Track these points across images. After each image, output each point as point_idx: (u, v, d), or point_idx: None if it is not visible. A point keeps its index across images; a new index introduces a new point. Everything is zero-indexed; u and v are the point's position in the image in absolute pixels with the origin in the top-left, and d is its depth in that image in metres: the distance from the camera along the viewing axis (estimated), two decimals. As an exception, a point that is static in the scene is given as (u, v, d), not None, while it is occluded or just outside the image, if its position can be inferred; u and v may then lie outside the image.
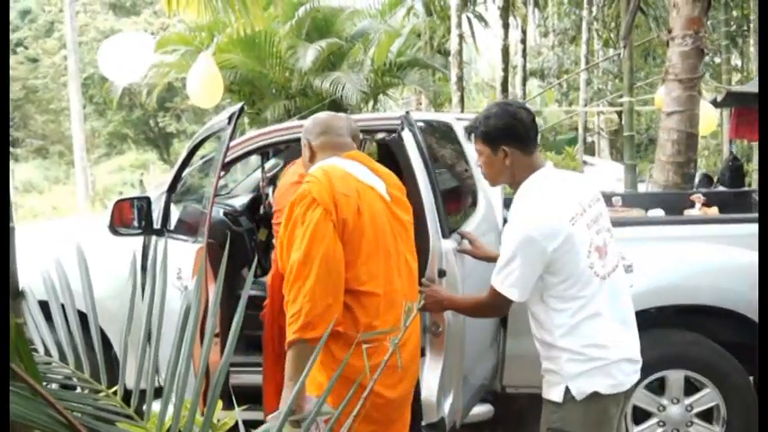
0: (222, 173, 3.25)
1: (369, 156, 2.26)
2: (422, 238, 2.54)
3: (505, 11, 9.49)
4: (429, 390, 2.49)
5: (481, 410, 2.96)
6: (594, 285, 1.87)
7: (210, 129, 3.03)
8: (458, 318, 2.47)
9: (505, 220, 2.51)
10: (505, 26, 9.49)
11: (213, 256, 2.75)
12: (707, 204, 4.07)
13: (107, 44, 7.24)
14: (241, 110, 2.72)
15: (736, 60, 15.96)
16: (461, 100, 9.64)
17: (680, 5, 5.23)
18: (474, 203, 3.00)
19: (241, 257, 3.77)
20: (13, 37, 21.79)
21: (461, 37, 9.90)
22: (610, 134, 20.31)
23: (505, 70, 9.58)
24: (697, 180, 6.67)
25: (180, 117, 22.95)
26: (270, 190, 4.55)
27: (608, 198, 4.13)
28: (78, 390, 1.34)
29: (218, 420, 1.41)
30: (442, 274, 2.47)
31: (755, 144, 9.74)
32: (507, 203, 2.36)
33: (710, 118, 7.51)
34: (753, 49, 12.14)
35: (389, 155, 3.01)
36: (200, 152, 3.47)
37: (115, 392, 1.25)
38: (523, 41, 15.46)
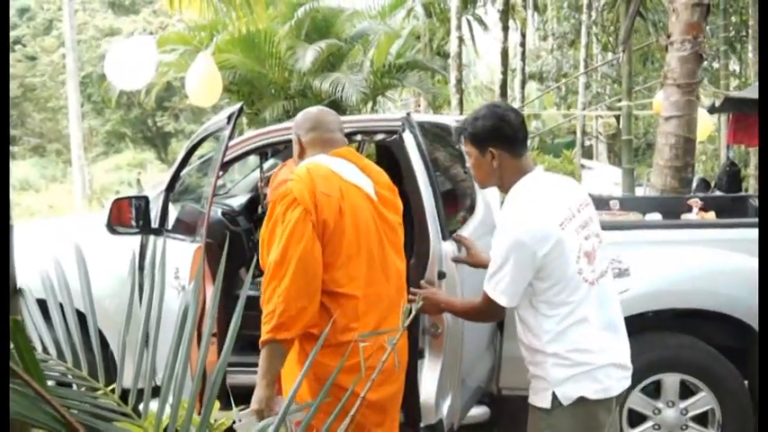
0: (220, 173, 3.25)
1: (368, 156, 2.25)
2: (422, 240, 2.54)
3: (505, 14, 9.51)
4: (428, 391, 2.49)
5: (478, 412, 2.96)
6: (583, 291, 1.87)
7: (209, 128, 3.04)
8: (457, 320, 2.47)
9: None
10: (505, 29, 9.51)
11: (211, 256, 2.75)
12: (704, 209, 4.09)
13: (112, 52, 7.23)
14: (240, 110, 2.72)
15: (734, 66, 16.02)
16: (460, 102, 9.66)
17: (679, 10, 5.25)
18: (472, 206, 3.01)
19: (239, 257, 3.77)
20: (12, 35, 21.73)
21: (461, 39, 9.92)
22: (608, 138, 20.36)
23: (504, 73, 9.60)
24: (694, 185, 6.70)
25: (178, 116, 22.95)
26: (268, 190, 4.55)
27: (606, 202, 4.15)
28: (75, 387, 1.34)
29: (215, 420, 1.41)
30: (441, 276, 2.48)
31: (753, 149, 9.78)
32: (505, 206, 2.36)
33: (705, 123, 7.56)
34: (751, 54, 12.19)
35: (389, 156, 3.01)
36: (198, 152, 3.46)
37: (113, 391, 1.25)
38: (523, 45, 15.50)
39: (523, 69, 15.67)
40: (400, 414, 2.35)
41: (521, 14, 13.25)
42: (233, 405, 1.61)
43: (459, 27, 9.69)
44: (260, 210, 4.47)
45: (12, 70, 20.28)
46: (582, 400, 1.87)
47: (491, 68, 20.32)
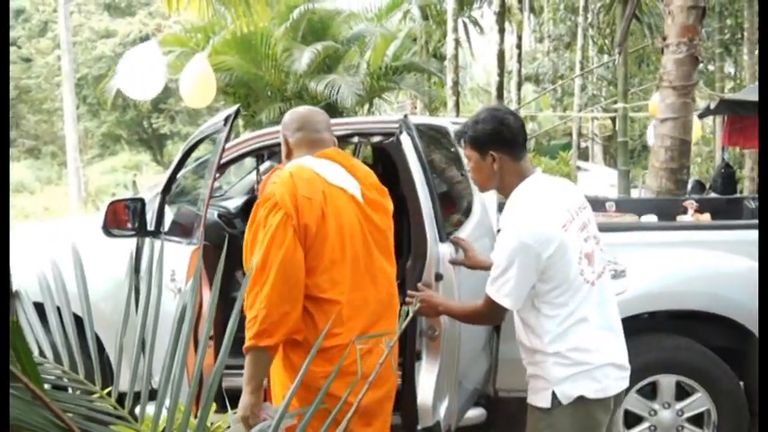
0: (217, 175, 3.24)
1: (364, 158, 2.24)
2: (419, 242, 2.54)
3: (501, 16, 9.51)
4: (425, 394, 2.49)
5: (474, 414, 2.96)
6: (584, 292, 1.89)
7: (206, 131, 3.03)
8: (454, 322, 2.47)
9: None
10: (501, 31, 9.52)
11: (207, 259, 2.74)
12: (699, 211, 4.10)
13: (123, 64, 7.22)
14: (237, 112, 2.71)
15: (729, 68, 16.07)
16: (457, 104, 9.66)
17: (675, 13, 5.27)
18: (469, 208, 3.01)
19: (235, 260, 3.75)
20: (7, 36, 21.66)
21: (457, 42, 9.93)
22: (604, 140, 20.39)
23: (501, 75, 9.59)
24: (689, 186, 6.71)
25: (174, 118, 22.89)
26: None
27: (601, 203, 4.15)
28: (70, 390, 1.34)
29: (212, 423, 1.41)
30: (438, 278, 2.48)
31: (747, 151, 9.81)
32: (501, 208, 2.36)
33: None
34: (746, 57, 12.24)
35: (386, 158, 3.01)
36: (194, 154, 3.46)
37: (109, 394, 1.25)
38: (519, 47, 15.50)
39: (520, 71, 15.68)
40: (397, 416, 2.35)
41: (517, 17, 13.26)
42: (228, 408, 1.60)
43: (455, 29, 9.69)
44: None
45: (7, 72, 20.19)
46: (581, 400, 1.88)
47: (487, 70, 20.34)
